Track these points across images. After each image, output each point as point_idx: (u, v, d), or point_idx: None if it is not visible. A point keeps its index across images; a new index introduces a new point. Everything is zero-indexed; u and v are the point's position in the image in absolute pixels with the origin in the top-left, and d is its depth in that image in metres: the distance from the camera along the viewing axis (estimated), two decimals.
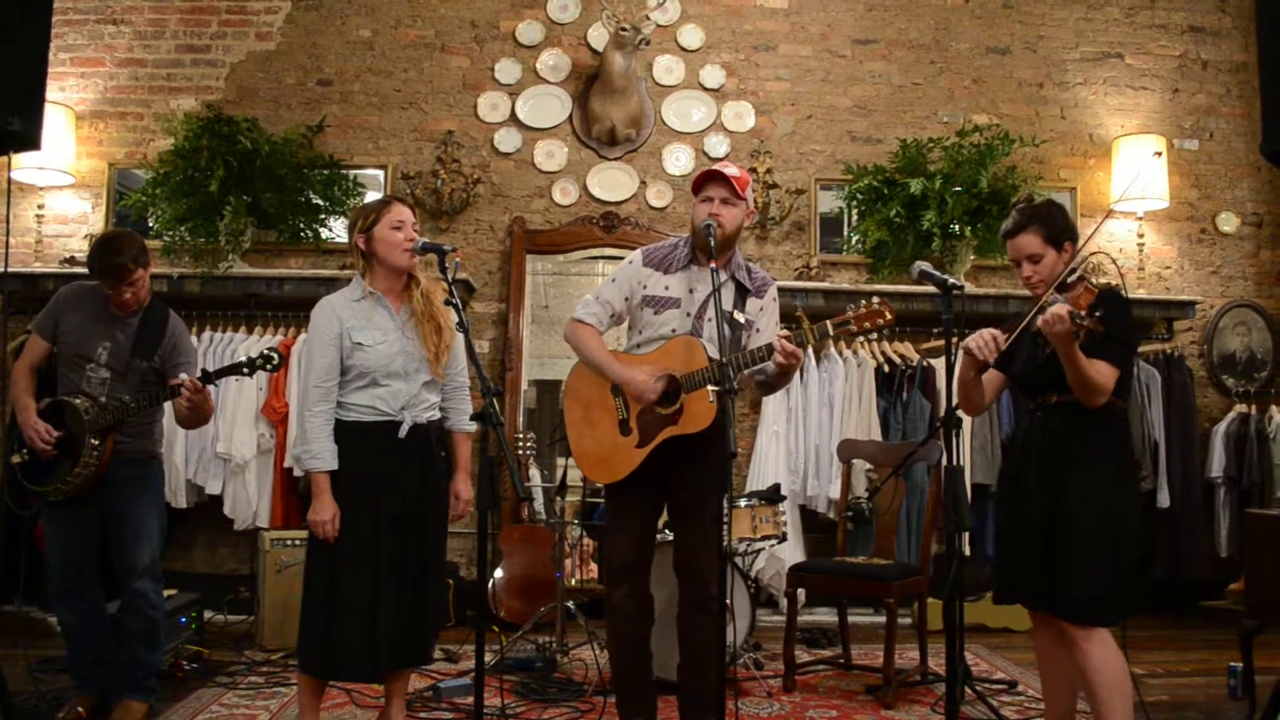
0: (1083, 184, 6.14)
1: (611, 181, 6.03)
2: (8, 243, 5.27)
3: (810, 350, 5.59)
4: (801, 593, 4.81)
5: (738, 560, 4.32)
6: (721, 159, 6.01)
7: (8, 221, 4.56)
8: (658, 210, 6.01)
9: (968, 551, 5.47)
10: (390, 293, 3.26)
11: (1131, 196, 5.79)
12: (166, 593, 4.03)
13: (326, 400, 3.15)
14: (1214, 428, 5.99)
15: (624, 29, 5.68)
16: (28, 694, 3.71)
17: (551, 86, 6.07)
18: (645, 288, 3.32)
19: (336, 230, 5.89)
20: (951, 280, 2.83)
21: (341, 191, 5.82)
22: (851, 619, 4.69)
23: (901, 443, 5.12)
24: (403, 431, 3.21)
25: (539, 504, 5.25)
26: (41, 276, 5.39)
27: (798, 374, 5.52)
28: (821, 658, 4.64)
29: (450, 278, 3.00)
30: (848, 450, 4.63)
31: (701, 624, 3.25)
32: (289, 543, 4.72)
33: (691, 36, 6.13)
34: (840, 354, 5.61)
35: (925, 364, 5.58)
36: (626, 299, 3.36)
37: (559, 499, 4.64)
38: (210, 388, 3.43)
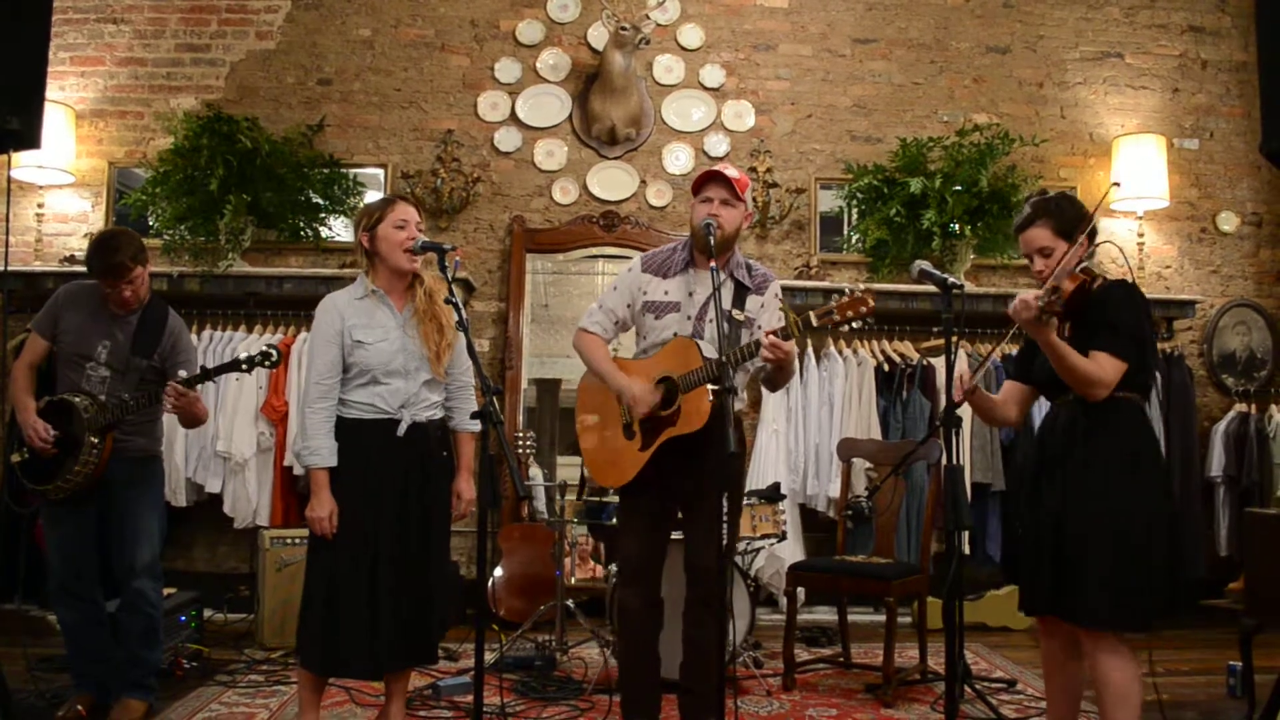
0: (1083, 183, 6.14)
1: (611, 181, 6.03)
2: (7, 241, 5.27)
3: (809, 348, 5.61)
4: (801, 591, 4.81)
5: (737, 559, 4.31)
6: (721, 158, 6.01)
7: (7, 220, 4.56)
8: (657, 209, 6.01)
9: (967, 550, 5.47)
10: (393, 291, 3.26)
11: (1129, 199, 5.79)
12: (166, 591, 4.04)
13: (327, 398, 3.15)
14: (1214, 427, 5.99)
15: (624, 28, 5.68)
16: (27, 692, 3.71)
17: (551, 86, 6.07)
18: (645, 294, 3.34)
19: (336, 229, 5.89)
20: (951, 279, 2.83)
21: (341, 190, 5.82)
22: (851, 618, 4.69)
23: (901, 442, 5.12)
24: (401, 430, 3.21)
25: (539, 502, 5.27)
26: (41, 275, 5.38)
27: (798, 373, 5.54)
28: (821, 656, 4.64)
29: (450, 277, 3.00)
30: (847, 449, 4.63)
31: (704, 622, 3.26)
32: (289, 541, 4.72)
33: (691, 36, 6.13)
34: (840, 353, 5.61)
35: (925, 363, 5.58)
36: (628, 305, 3.38)
37: (559, 498, 4.64)
38: (205, 387, 3.43)
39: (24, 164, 5.49)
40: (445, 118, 6.02)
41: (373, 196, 5.82)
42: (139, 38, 6.01)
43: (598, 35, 6.03)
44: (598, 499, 4.68)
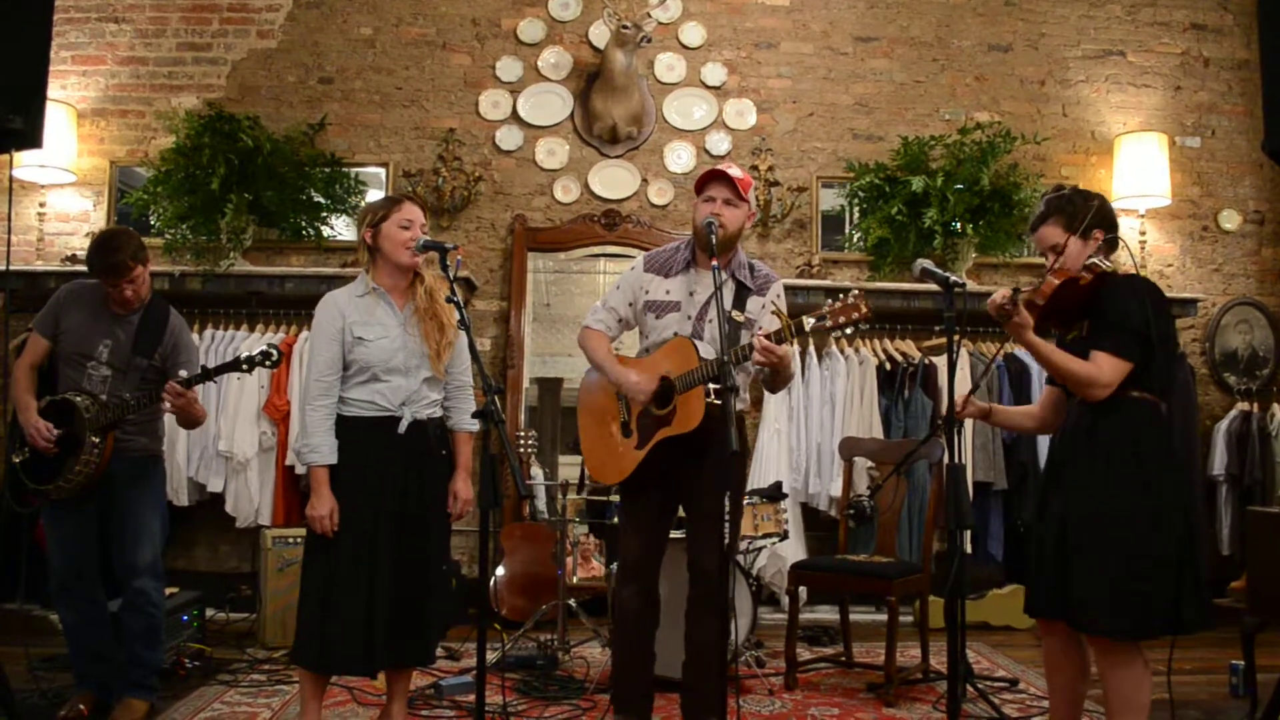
0: (1084, 182, 6.12)
1: (613, 179, 6.03)
2: (10, 241, 5.28)
3: (811, 347, 5.61)
4: (803, 591, 4.81)
5: (740, 558, 4.31)
6: (723, 157, 6.01)
7: (9, 219, 4.56)
8: (659, 208, 6.01)
9: (969, 549, 5.47)
10: (394, 289, 3.27)
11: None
12: (168, 591, 4.04)
13: (328, 395, 3.16)
14: (1216, 425, 5.99)
15: (625, 27, 5.67)
16: (29, 692, 3.72)
17: (553, 84, 6.07)
18: (647, 293, 3.35)
19: (338, 228, 5.89)
20: (953, 278, 2.82)
21: (343, 189, 5.82)
22: (853, 617, 4.69)
23: (903, 440, 5.12)
24: (402, 427, 3.21)
25: (540, 502, 5.26)
26: (43, 275, 5.38)
27: (800, 372, 5.54)
28: (823, 655, 4.64)
29: (451, 275, 3.00)
30: (849, 448, 4.63)
31: (710, 623, 3.26)
32: (291, 541, 4.72)
33: (693, 34, 6.13)
34: (842, 352, 5.61)
35: (927, 362, 5.58)
36: (630, 304, 3.40)
37: (560, 497, 4.64)
38: (207, 386, 3.43)
39: (26, 163, 5.49)
40: (447, 116, 6.01)
41: (374, 195, 5.82)
42: (140, 37, 6.00)
43: (599, 34, 6.02)
44: (600, 497, 4.68)
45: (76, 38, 5.95)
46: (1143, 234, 6.07)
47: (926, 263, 2.90)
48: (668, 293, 3.32)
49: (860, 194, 5.93)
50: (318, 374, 3.16)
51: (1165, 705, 3.39)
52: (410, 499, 3.21)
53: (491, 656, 3.96)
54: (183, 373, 3.43)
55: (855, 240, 6.05)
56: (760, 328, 3.29)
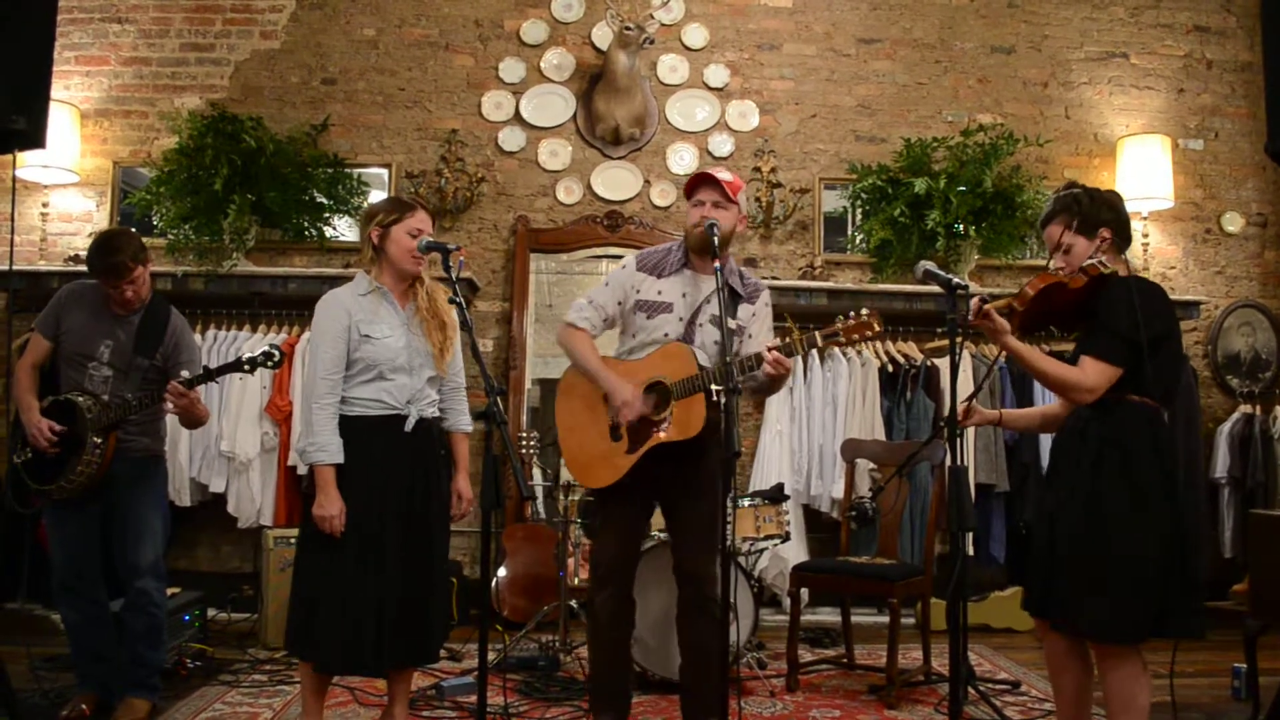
0: (1087, 184, 6.06)
1: (615, 180, 6.03)
2: (12, 241, 5.29)
3: (810, 354, 5.60)
4: (805, 592, 4.81)
5: (741, 560, 4.31)
6: (726, 158, 6.02)
7: (12, 220, 4.56)
8: (661, 209, 6.01)
9: (971, 552, 5.47)
10: (395, 290, 3.27)
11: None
12: (170, 591, 4.04)
13: (333, 393, 3.14)
14: (1218, 428, 5.98)
15: (628, 28, 5.67)
16: (31, 692, 3.72)
17: (555, 85, 6.07)
18: (638, 292, 3.32)
19: (340, 229, 5.90)
20: (956, 280, 2.82)
21: (346, 190, 5.82)
22: (855, 619, 4.69)
23: (905, 442, 5.11)
24: (409, 425, 3.21)
25: (541, 502, 5.26)
26: (46, 275, 5.39)
27: (802, 374, 5.55)
28: (825, 657, 4.63)
29: (454, 276, 3.00)
30: (851, 450, 4.63)
31: (701, 626, 3.26)
32: (292, 541, 4.69)
33: (695, 35, 6.13)
34: (844, 354, 5.60)
35: (929, 364, 5.57)
36: (619, 303, 3.36)
37: (562, 498, 4.64)
38: (209, 387, 3.43)
39: (29, 163, 5.49)
40: (449, 117, 6.02)
41: (377, 196, 5.82)
42: (144, 37, 6.01)
43: (602, 35, 6.02)
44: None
45: (80, 38, 5.96)
46: (1145, 236, 6.07)
47: (929, 265, 2.89)
48: (660, 293, 3.30)
49: (863, 196, 5.92)
50: (324, 372, 3.14)
51: (1168, 708, 3.40)
52: (415, 498, 3.21)
53: (493, 657, 3.97)
54: (184, 373, 3.43)
55: (858, 242, 6.05)
56: (751, 335, 3.29)
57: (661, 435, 3.16)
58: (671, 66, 6.11)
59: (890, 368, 5.59)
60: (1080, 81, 6.27)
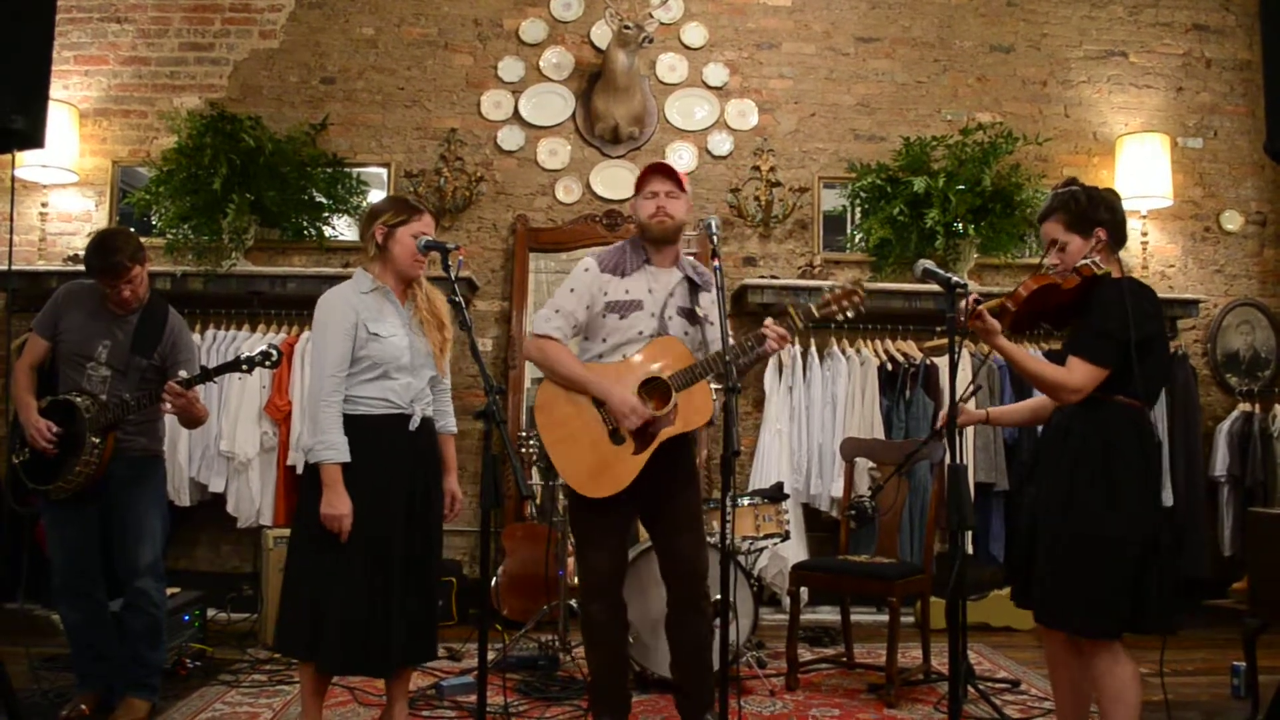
0: (1086, 182, 6.08)
1: (614, 179, 6.03)
2: (11, 240, 5.29)
3: (813, 347, 5.62)
4: (804, 591, 4.81)
5: (740, 559, 4.31)
6: (725, 157, 6.04)
7: (11, 219, 4.57)
8: None
9: (970, 550, 5.47)
10: (395, 290, 3.28)
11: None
12: (169, 591, 4.04)
13: (340, 391, 3.13)
14: (1217, 426, 5.98)
15: (627, 27, 5.67)
16: (31, 692, 3.71)
17: (555, 84, 6.07)
18: (606, 294, 3.30)
19: (340, 228, 5.90)
20: (955, 278, 2.82)
21: (345, 189, 5.82)
22: (854, 618, 4.69)
23: (904, 441, 5.11)
24: (413, 424, 3.22)
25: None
26: (45, 274, 5.39)
27: (801, 373, 5.57)
28: (824, 656, 4.63)
29: (453, 276, 3.00)
30: (851, 449, 4.63)
31: (695, 622, 3.27)
32: None
33: (695, 34, 6.13)
34: (843, 352, 5.61)
35: (928, 362, 5.58)
36: (588, 308, 3.31)
37: (561, 498, 4.63)
38: (208, 386, 3.43)
39: (28, 163, 5.49)
40: (448, 116, 6.02)
41: (376, 196, 5.83)
42: (142, 37, 6.01)
43: (601, 34, 6.02)
44: None
45: (79, 38, 5.96)
46: (1144, 235, 6.07)
47: (928, 263, 2.90)
48: (627, 292, 3.29)
49: (862, 194, 5.93)
50: (331, 370, 3.11)
51: (1163, 706, 3.40)
52: (417, 497, 3.22)
53: (492, 657, 3.97)
54: (182, 373, 3.43)
55: (857, 241, 6.05)
56: (713, 322, 3.31)
57: (670, 430, 3.16)
58: (670, 65, 6.11)
59: (889, 366, 5.59)
60: (1079, 80, 6.28)
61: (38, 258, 5.67)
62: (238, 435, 5.24)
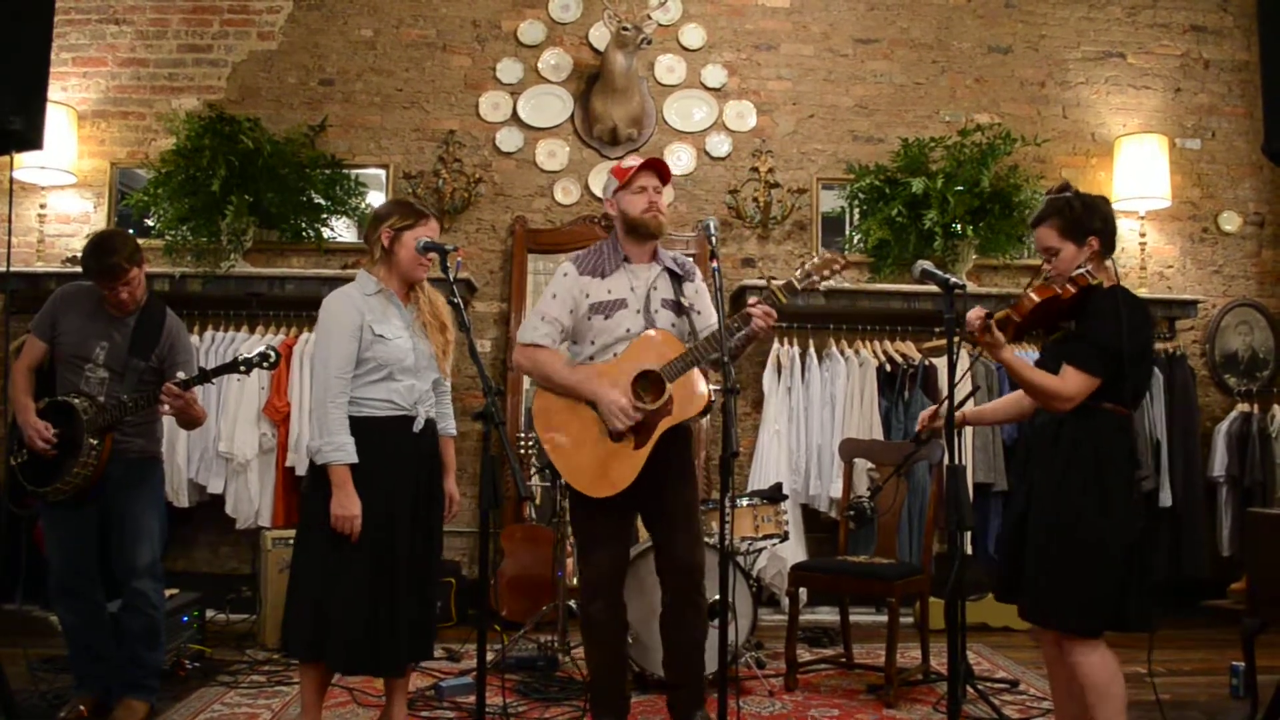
0: (1084, 183, 6.10)
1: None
2: (10, 242, 5.28)
3: (811, 348, 5.62)
4: (803, 592, 4.81)
5: (739, 559, 4.31)
6: (723, 158, 6.04)
7: (10, 221, 4.57)
8: None
9: (969, 551, 5.47)
10: (398, 293, 3.29)
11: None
12: (168, 592, 4.04)
13: (346, 392, 3.13)
14: (1216, 427, 5.98)
15: (625, 28, 5.67)
16: (29, 693, 3.72)
17: (553, 86, 6.07)
18: (589, 296, 3.31)
19: (338, 230, 5.90)
20: (953, 279, 2.83)
21: (343, 191, 5.82)
22: (853, 618, 4.69)
23: (903, 442, 5.11)
24: (418, 426, 3.23)
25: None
26: (43, 276, 5.39)
27: (800, 373, 5.57)
28: (823, 657, 4.63)
29: (452, 277, 3.01)
30: (849, 449, 4.63)
31: (692, 620, 3.28)
32: (291, 542, 4.70)
33: (693, 36, 6.13)
34: (842, 353, 5.61)
35: (927, 363, 5.58)
36: (571, 312, 3.32)
37: (559, 499, 4.64)
38: (207, 388, 3.43)
39: (26, 165, 5.48)
40: (447, 118, 6.02)
41: (375, 197, 5.83)
42: (141, 38, 6.01)
43: (599, 35, 6.02)
44: None
45: (77, 39, 5.96)
46: (1143, 236, 6.08)
47: (926, 264, 2.91)
48: (609, 292, 3.31)
49: (860, 195, 5.93)
50: (337, 371, 3.11)
51: (1168, 706, 3.41)
52: (420, 498, 3.24)
53: (491, 658, 3.97)
54: (180, 374, 3.44)
55: (855, 242, 6.05)
56: (700, 311, 3.34)
57: (669, 420, 3.17)
58: (669, 67, 6.11)
59: (888, 367, 5.59)
60: (1077, 81, 6.28)
61: (36, 259, 5.67)
62: (236, 436, 5.24)
